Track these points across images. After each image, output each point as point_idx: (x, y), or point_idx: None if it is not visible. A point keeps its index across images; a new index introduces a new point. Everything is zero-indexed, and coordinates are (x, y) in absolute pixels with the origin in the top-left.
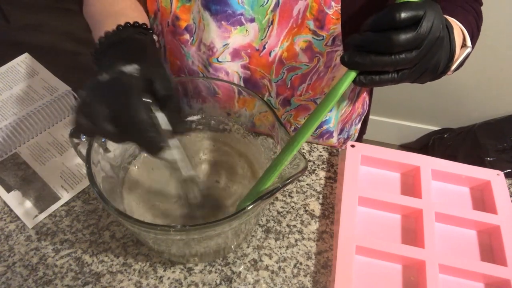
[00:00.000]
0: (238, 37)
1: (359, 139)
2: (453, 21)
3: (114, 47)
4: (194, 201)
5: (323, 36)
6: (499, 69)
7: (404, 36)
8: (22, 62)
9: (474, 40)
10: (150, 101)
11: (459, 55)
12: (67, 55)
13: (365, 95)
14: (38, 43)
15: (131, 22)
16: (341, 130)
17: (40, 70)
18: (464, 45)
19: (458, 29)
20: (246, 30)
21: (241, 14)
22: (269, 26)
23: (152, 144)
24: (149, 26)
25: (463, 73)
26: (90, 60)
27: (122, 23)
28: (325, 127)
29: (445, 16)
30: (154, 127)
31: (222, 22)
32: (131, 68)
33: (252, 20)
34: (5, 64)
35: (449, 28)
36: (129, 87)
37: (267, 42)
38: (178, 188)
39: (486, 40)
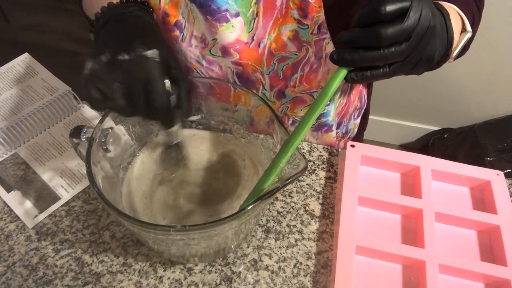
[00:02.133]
0: (225, 34)
1: (360, 135)
2: (449, 7)
3: (118, 19)
4: (181, 162)
5: (307, 25)
6: (499, 69)
7: (391, 30)
8: (22, 62)
9: (475, 24)
10: (168, 81)
11: (459, 41)
12: (67, 55)
13: (361, 88)
14: (38, 43)
15: None
16: (339, 124)
17: (40, 70)
18: (464, 30)
19: (456, 14)
20: (233, 26)
21: (226, 10)
22: (255, 18)
23: (169, 122)
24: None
25: (463, 73)
26: (89, 29)
27: None
28: (323, 119)
29: (441, 2)
30: (170, 109)
31: (208, 17)
32: (151, 53)
33: (237, 15)
34: (5, 64)
35: (444, 15)
36: (152, 73)
37: (255, 34)
38: (172, 176)
39: (486, 39)
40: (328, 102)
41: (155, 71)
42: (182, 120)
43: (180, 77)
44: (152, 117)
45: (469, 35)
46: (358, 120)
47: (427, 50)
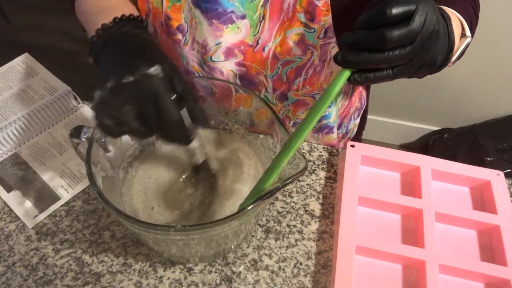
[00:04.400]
0: (230, 36)
1: (359, 134)
2: (450, 12)
3: (116, 41)
4: (209, 181)
5: (314, 29)
6: (499, 69)
7: (396, 32)
8: (22, 62)
9: (473, 29)
10: (175, 96)
11: (459, 46)
12: (67, 55)
13: (361, 89)
14: (38, 43)
15: (127, 14)
16: (340, 125)
17: (40, 70)
18: (463, 35)
19: (457, 19)
20: (238, 27)
21: (232, 12)
22: (261, 22)
23: (185, 138)
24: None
25: (463, 73)
26: (87, 53)
27: (118, 16)
28: (324, 121)
29: (442, 6)
30: (184, 123)
31: (213, 21)
32: (154, 70)
33: (243, 17)
34: (5, 64)
35: (446, 20)
36: (159, 89)
37: (260, 38)
38: (184, 183)
39: (486, 40)
40: (330, 105)
41: (161, 87)
42: (201, 138)
43: (185, 90)
44: (168, 134)
45: (468, 40)
46: (358, 120)
47: (430, 54)
